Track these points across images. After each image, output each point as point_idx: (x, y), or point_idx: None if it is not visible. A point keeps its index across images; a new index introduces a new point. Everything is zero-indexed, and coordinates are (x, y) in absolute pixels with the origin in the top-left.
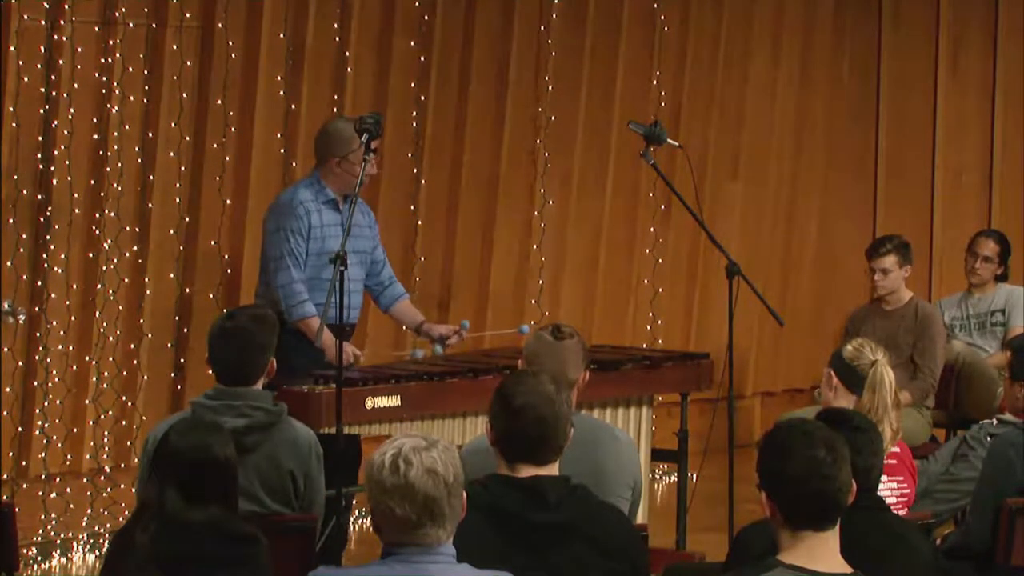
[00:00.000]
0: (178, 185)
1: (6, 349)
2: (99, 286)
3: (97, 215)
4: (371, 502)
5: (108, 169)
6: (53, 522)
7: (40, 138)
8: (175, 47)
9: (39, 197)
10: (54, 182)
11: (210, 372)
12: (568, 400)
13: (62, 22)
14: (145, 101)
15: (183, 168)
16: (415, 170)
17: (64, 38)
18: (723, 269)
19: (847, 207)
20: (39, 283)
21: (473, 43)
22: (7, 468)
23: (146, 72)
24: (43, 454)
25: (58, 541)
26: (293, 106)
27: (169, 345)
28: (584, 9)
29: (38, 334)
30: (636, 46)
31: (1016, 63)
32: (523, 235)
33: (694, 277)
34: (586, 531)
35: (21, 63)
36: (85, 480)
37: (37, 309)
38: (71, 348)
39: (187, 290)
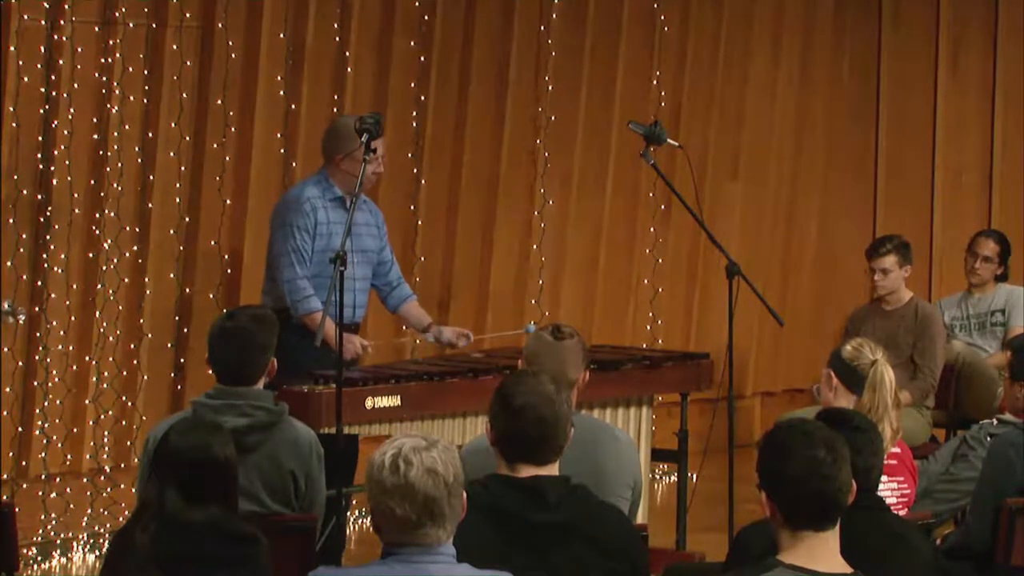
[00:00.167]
0: (178, 185)
1: (6, 349)
2: (99, 286)
3: (97, 215)
4: (371, 502)
5: (108, 169)
6: (53, 522)
7: (40, 138)
8: (175, 47)
9: (39, 197)
10: (54, 182)
11: (210, 372)
12: (568, 400)
13: (62, 22)
14: (145, 101)
15: (183, 168)
16: (415, 170)
17: (64, 38)
18: (723, 269)
19: (847, 207)
20: (39, 283)
21: (473, 43)
22: (7, 468)
23: (146, 72)
24: (43, 454)
25: (58, 541)
26: (293, 106)
27: (169, 345)
28: (584, 9)
29: (38, 334)
30: (636, 46)
31: (1016, 63)
32: (523, 235)
33: (694, 277)
34: (586, 531)
35: (21, 63)
36: (85, 480)
37: (37, 309)
38: (71, 348)
39: (187, 290)
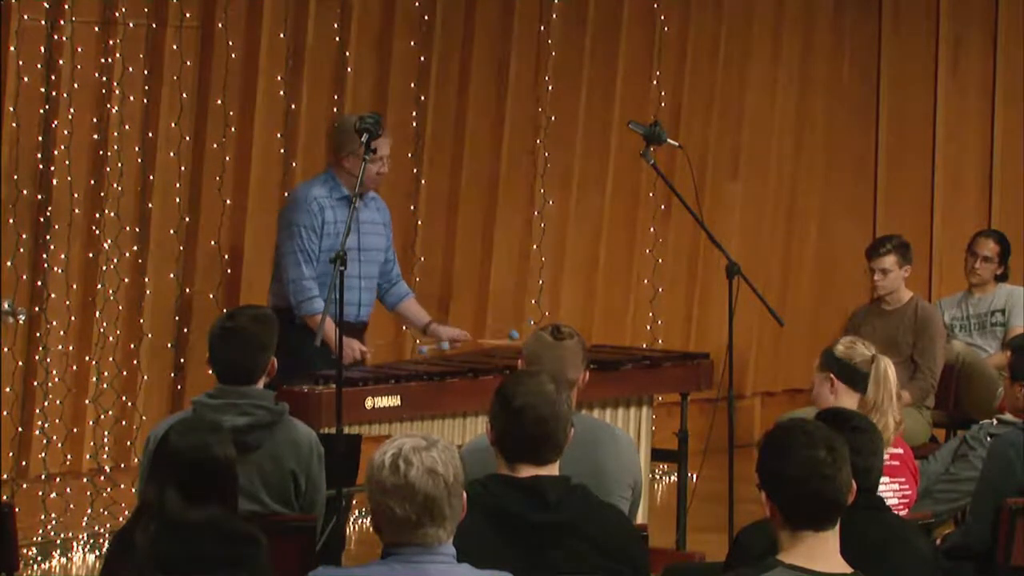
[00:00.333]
0: (178, 185)
1: (6, 349)
2: (99, 286)
3: (97, 215)
4: (371, 502)
5: (108, 169)
6: (53, 522)
7: (40, 138)
8: (175, 47)
9: (39, 197)
10: (54, 182)
11: (210, 372)
12: (568, 400)
13: (62, 22)
14: (145, 101)
15: (183, 168)
16: (415, 170)
17: (64, 38)
18: (723, 269)
19: (847, 207)
20: (39, 283)
21: (473, 43)
22: (7, 468)
23: (146, 72)
24: (43, 454)
25: (58, 541)
26: (293, 106)
27: (169, 345)
28: (584, 9)
29: (38, 334)
30: (636, 46)
31: (1016, 63)
32: (523, 235)
33: (694, 277)
34: (586, 531)
35: (21, 63)
36: (85, 480)
37: (37, 309)
38: (71, 348)
39: (187, 290)
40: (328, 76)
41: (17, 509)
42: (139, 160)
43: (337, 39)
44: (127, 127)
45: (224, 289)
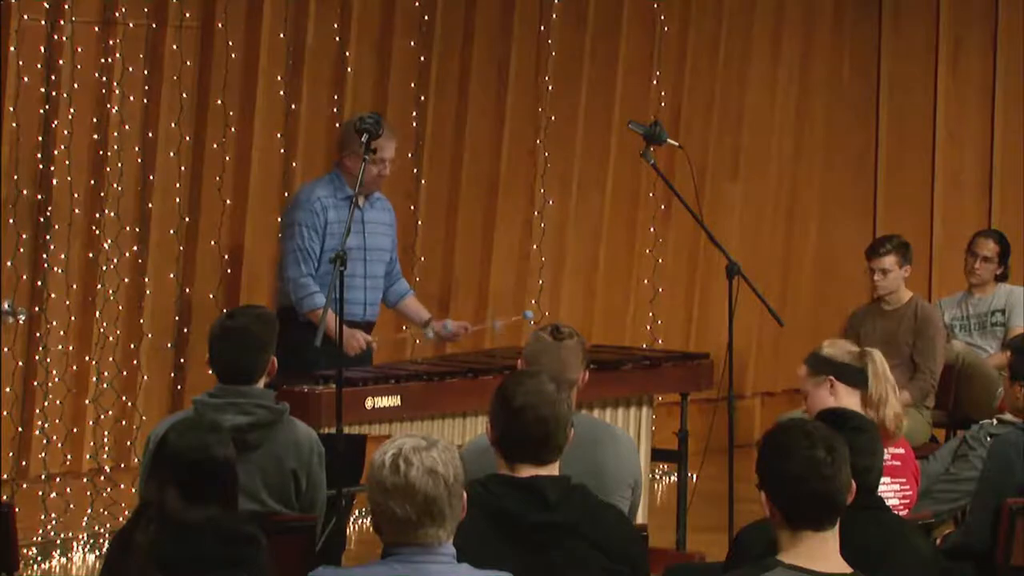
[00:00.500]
0: (178, 185)
1: (6, 349)
2: (99, 286)
3: (97, 215)
4: (371, 502)
5: (108, 169)
6: (53, 522)
7: (40, 138)
8: (175, 47)
9: (39, 197)
10: (54, 182)
11: (211, 372)
12: (568, 400)
13: (62, 22)
14: (145, 101)
15: (183, 168)
16: (415, 170)
17: (64, 38)
18: (723, 269)
19: (847, 207)
20: (39, 283)
21: (473, 43)
22: (7, 468)
23: (146, 72)
24: (43, 454)
25: (58, 541)
26: (293, 106)
27: (169, 345)
28: (584, 9)
29: (38, 334)
30: (636, 46)
31: (1016, 63)
32: (523, 235)
33: (694, 277)
34: (586, 531)
35: (21, 63)
36: (85, 480)
37: (37, 309)
38: (71, 348)
39: (187, 290)
40: (328, 76)
41: (17, 509)
42: (139, 160)
43: (337, 39)
44: (127, 127)
45: (224, 289)
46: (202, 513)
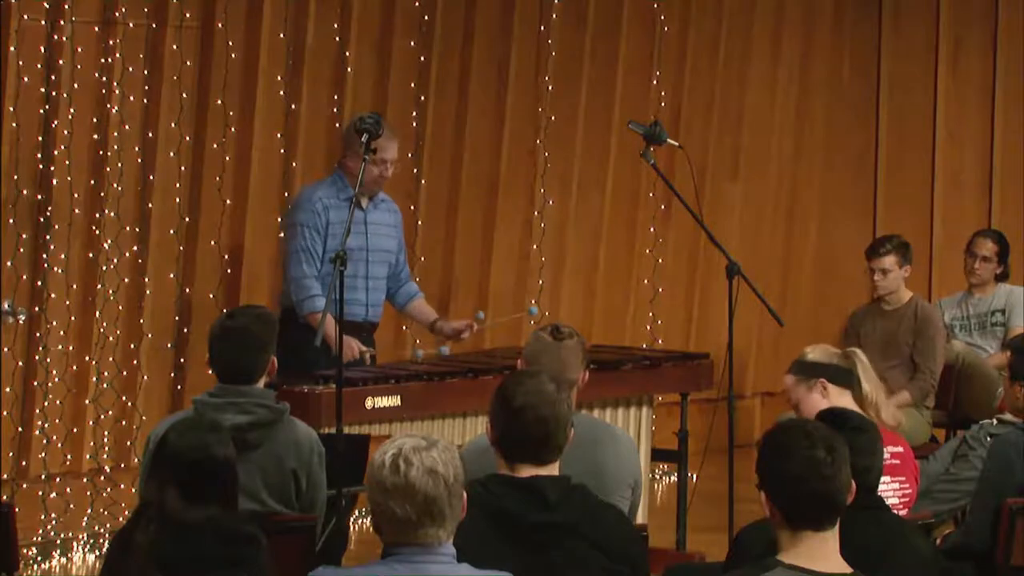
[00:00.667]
0: (178, 185)
1: (6, 349)
2: (99, 286)
3: (97, 215)
4: (371, 502)
5: (108, 169)
6: (53, 522)
7: (40, 138)
8: (175, 47)
9: (39, 197)
10: (54, 182)
11: (211, 372)
12: (568, 400)
13: (62, 22)
14: (145, 101)
15: (183, 168)
16: (415, 170)
17: (64, 38)
18: (723, 269)
19: (847, 207)
20: (39, 283)
21: (473, 43)
22: (7, 468)
23: (146, 72)
24: (43, 454)
25: (58, 541)
26: (293, 106)
27: (169, 345)
28: (584, 9)
29: (38, 334)
30: (636, 46)
31: (1016, 63)
32: (523, 235)
33: (694, 277)
34: (586, 531)
35: (21, 63)
36: (85, 480)
37: (37, 309)
38: (71, 348)
39: (187, 290)
40: (328, 76)
41: (17, 509)
42: (139, 160)
43: (337, 39)
44: (127, 127)
45: (224, 289)
46: (202, 513)
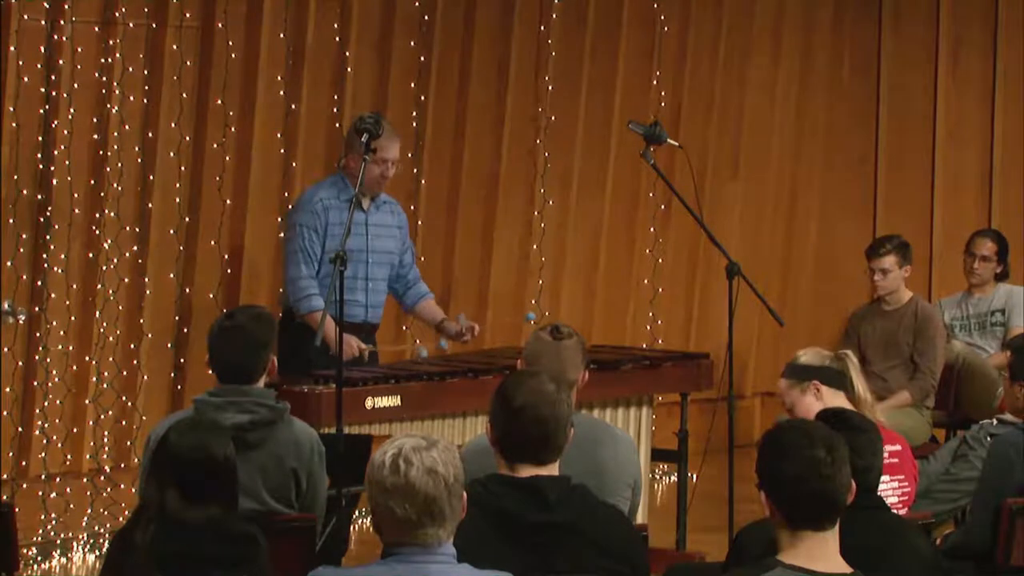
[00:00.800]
0: (178, 185)
1: (6, 349)
2: (99, 286)
3: (97, 215)
4: (371, 502)
5: (108, 169)
6: (53, 522)
7: (40, 138)
8: (175, 47)
9: (39, 197)
10: (54, 182)
11: (210, 373)
12: (568, 400)
13: (62, 22)
14: (145, 101)
15: (183, 168)
16: (415, 170)
17: (64, 38)
18: (723, 269)
19: (847, 207)
20: (39, 283)
21: (473, 43)
22: (7, 468)
23: (146, 72)
24: (43, 454)
25: (58, 541)
26: (293, 106)
27: (169, 345)
28: (584, 9)
29: (38, 334)
30: (636, 46)
31: (1016, 63)
32: (523, 235)
33: (694, 277)
34: (586, 531)
35: (21, 63)
36: (85, 480)
37: (37, 309)
38: (71, 348)
39: (187, 290)
40: (328, 76)
41: (17, 509)
42: (139, 160)
43: (337, 39)
44: (127, 127)
45: (224, 289)
46: (202, 513)
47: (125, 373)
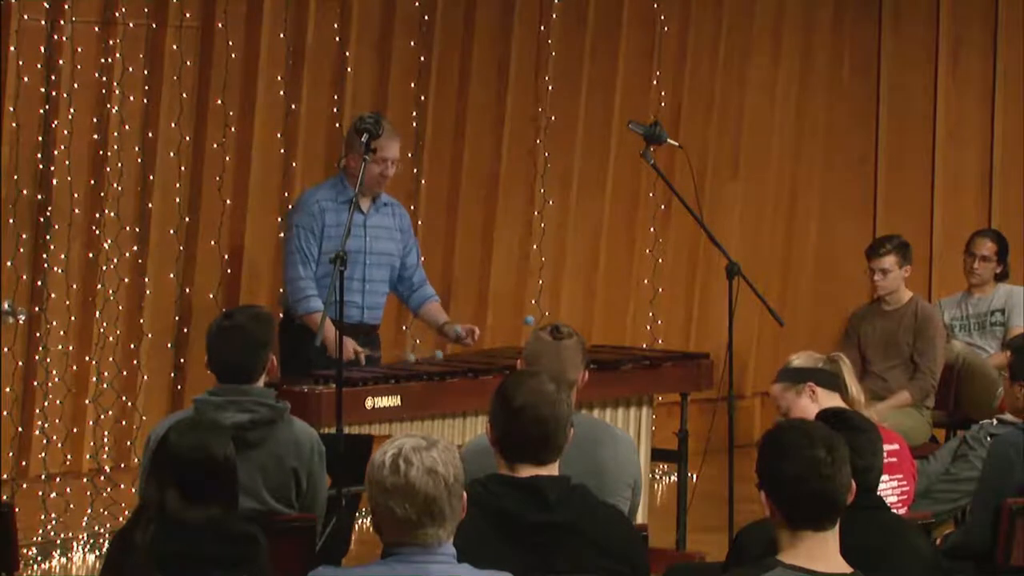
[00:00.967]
0: (178, 185)
1: (6, 349)
2: (99, 286)
3: (97, 215)
4: (371, 502)
5: (108, 169)
6: (53, 522)
7: (40, 138)
8: (175, 47)
9: (39, 197)
10: (54, 182)
11: (210, 373)
12: (568, 400)
13: (62, 22)
14: (145, 101)
15: (183, 168)
16: (415, 170)
17: (64, 38)
18: (723, 269)
19: (847, 207)
20: (39, 283)
21: (473, 43)
22: (7, 468)
23: (146, 72)
24: (43, 454)
25: (58, 541)
26: (293, 106)
27: (169, 345)
28: (584, 9)
29: (38, 334)
30: (636, 46)
31: (1016, 63)
32: (523, 235)
33: (694, 277)
34: (586, 531)
35: (21, 63)
36: (85, 480)
37: (37, 309)
38: (71, 348)
39: (187, 290)
40: (328, 76)
41: (17, 509)
42: (139, 160)
43: (337, 39)
44: (127, 127)
45: (224, 289)
46: (202, 513)
47: (125, 373)
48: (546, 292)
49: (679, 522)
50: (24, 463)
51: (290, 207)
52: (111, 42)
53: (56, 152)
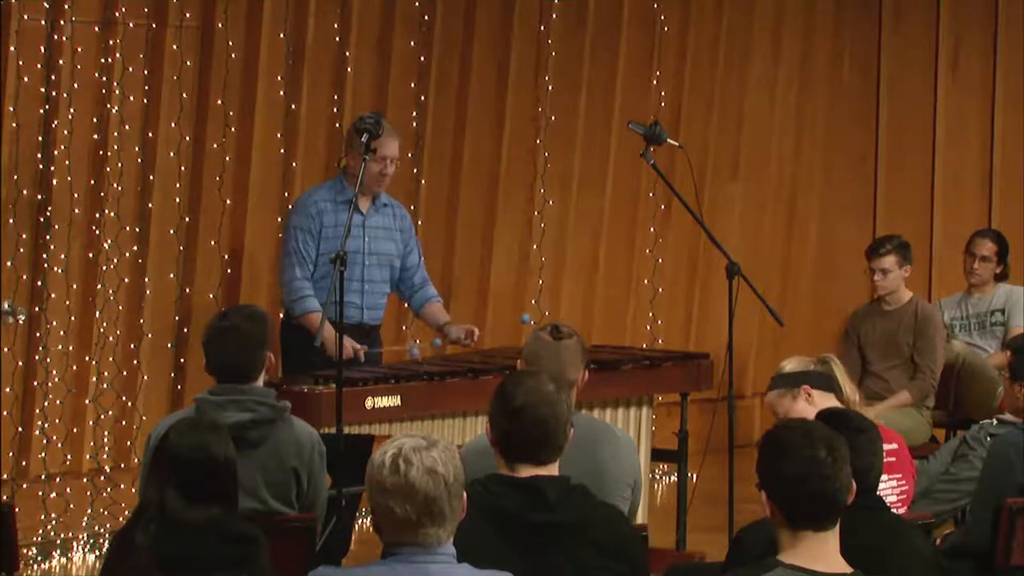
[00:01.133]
0: (178, 185)
1: (6, 349)
2: (99, 286)
3: (97, 215)
4: (371, 502)
5: (108, 169)
6: (53, 522)
7: (40, 138)
8: (175, 47)
9: (39, 197)
10: (54, 182)
11: (208, 374)
12: (568, 400)
13: (62, 22)
14: (145, 101)
15: (183, 168)
16: (415, 170)
17: (64, 38)
18: (723, 269)
19: (847, 207)
20: (39, 283)
21: (473, 43)
22: (7, 468)
23: (146, 72)
24: (43, 454)
25: (58, 541)
26: (293, 106)
27: (169, 345)
28: (584, 9)
29: (38, 334)
30: (636, 46)
31: (1016, 63)
32: (523, 235)
33: (694, 277)
34: (586, 531)
35: (21, 63)
36: (85, 480)
37: (37, 309)
38: (71, 348)
39: (187, 290)
40: (328, 76)
41: (17, 509)
42: (139, 160)
43: (337, 39)
44: (127, 127)
45: (224, 289)
46: (203, 513)
47: (125, 373)
48: (546, 292)
49: (679, 522)
50: (24, 463)
51: (290, 207)
52: (111, 42)
53: (56, 152)
